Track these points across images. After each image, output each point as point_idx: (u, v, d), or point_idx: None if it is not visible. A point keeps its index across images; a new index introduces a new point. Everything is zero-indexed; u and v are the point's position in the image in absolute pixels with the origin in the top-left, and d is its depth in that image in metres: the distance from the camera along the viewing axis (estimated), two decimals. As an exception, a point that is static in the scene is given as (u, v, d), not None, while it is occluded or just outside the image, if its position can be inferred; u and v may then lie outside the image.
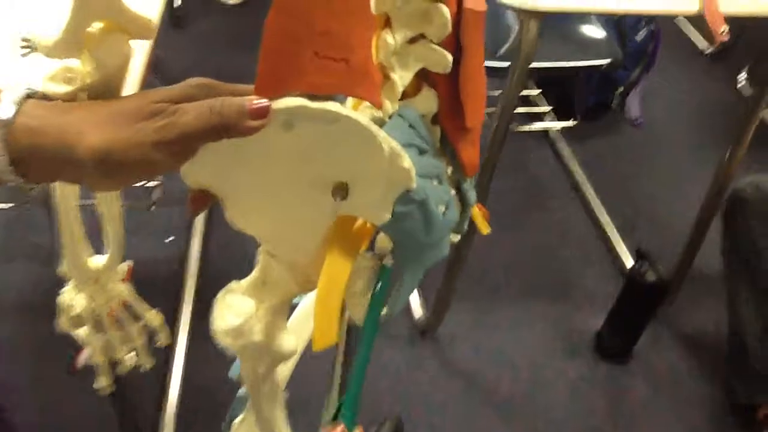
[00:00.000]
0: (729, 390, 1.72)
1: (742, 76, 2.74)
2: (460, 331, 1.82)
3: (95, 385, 1.15)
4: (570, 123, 2.15)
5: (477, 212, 0.72)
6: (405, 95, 0.57)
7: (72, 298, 0.99)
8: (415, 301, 1.85)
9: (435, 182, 0.58)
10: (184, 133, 0.45)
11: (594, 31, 1.99)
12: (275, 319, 0.61)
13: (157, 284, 1.78)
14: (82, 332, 1.05)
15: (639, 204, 2.25)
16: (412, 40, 0.55)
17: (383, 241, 0.66)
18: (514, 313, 1.89)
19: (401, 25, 0.53)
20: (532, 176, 2.32)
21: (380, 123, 0.55)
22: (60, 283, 1.01)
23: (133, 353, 1.15)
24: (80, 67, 0.49)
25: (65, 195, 0.86)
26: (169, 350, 1.66)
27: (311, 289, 0.61)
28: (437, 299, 1.73)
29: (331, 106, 0.47)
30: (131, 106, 0.46)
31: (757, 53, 2.70)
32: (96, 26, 0.48)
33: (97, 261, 0.99)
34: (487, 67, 0.59)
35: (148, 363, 1.19)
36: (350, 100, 0.58)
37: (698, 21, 2.93)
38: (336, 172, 0.51)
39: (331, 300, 0.56)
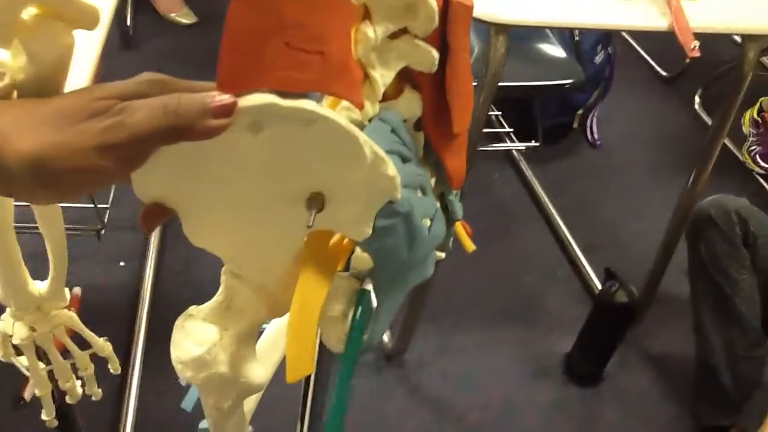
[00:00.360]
0: (697, 413, 1.70)
1: (697, 99, 2.79)
2: (427, 357, 1.77)
3: (42, 416, 1.07)
4: (534, 144, 2.14)
5: (461, 229, 0.67)
6: (385, 97, 0.51)
7: (10, 327, 0.90)
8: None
9: (419, 193, 0.53)
10: (134, 134, 0.38)
11: (556, 52, 1.99)
12: (242, 348, 0.54)
13: (109, 311, 1.70)
14: (24, 361, 0.97)
15: (601, 226, 2.25)
16: (394, 36, 0.50)
17: (360, 260, 0.60)
18: (480, 337, 1.84)
19: (382, 18, 0.48)
20: (494, 198, 2.30)
21: (359, 127, 0.49)
22: (-1, 309, 0.93)
23: (80, 383, 1.07)
24: (10, 60, 0.42)
25: None
26: (123, 379, 1.57)
27: (282, 314, 0.55)
28: (403, 324, 1.68)
29: (307, 104, 0.40)
30: (71, 104, 0.39)
31: (709, 76, 2.75)
32: (30, 12, 0.40)
33: (39, 286, 0.90)
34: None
35: (96, 394, 1.12)
36: (325, 101, 0.52)
37: (655, 43, 3.00)
38: (311, 180, 0.45)
39: (306, 325, 0.50)
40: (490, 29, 1.20)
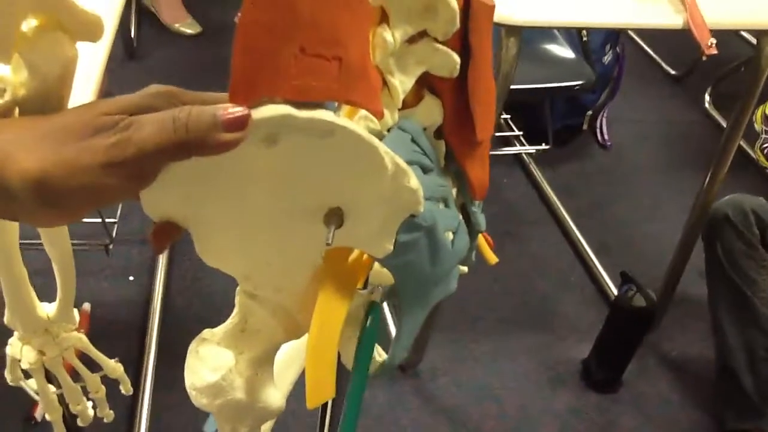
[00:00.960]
0: (719, 416, 1.67)
1: (707, 97, 2.76)
2: (441, 366, 1.74)
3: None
4: (545, 147, 2.11)
5: (482, 240, 0.65)
6: (403, 105, 0.48)
7: (18, 351, 0.88)
8: (394, 335, 1.76)
9: (442, 205, 0.50)
10: (142, 151, 0.35)
11: (565, 52, 1.97)
12: (258, 372, 0.51)
13: (119, 326, 1.67)
14: (33, 384, 0.95)
15: (614, 228, 2.21)
16: (413, 40, 0.47)
17: (379, 275, 0.57)
18: (494, 345, 1.81)
19: (400, 21, 0.45)
20: (504, 202, 2.27)
21: (378, 137, 0.46)
22: (7, 332, 0.90)
23: (90, 405, 1.05)
24: (11, 75, 0.39)
25: (3, 233, 0.75)
26: (135, 395, 1.54)
27: (300, 336, 0.52)
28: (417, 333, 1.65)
29: (324, 115, 0.38)
30: (75, 119, 0.37)
31: (718, 73, 2.72)
32: (30, 23, 0.38)
33: (46, 309, 0.88)
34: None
35: (108, 416, 1.10)
36: (342, 111, 0.49)
37: (663, 42, 2.98)
38: (329, 195, 0.42)
39: (326, 347, 0.47)
40: (500, 31, 1.17)
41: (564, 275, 2.03)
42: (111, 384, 1.06)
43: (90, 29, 0.40)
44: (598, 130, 2.48)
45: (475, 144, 0.52)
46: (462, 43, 0.47)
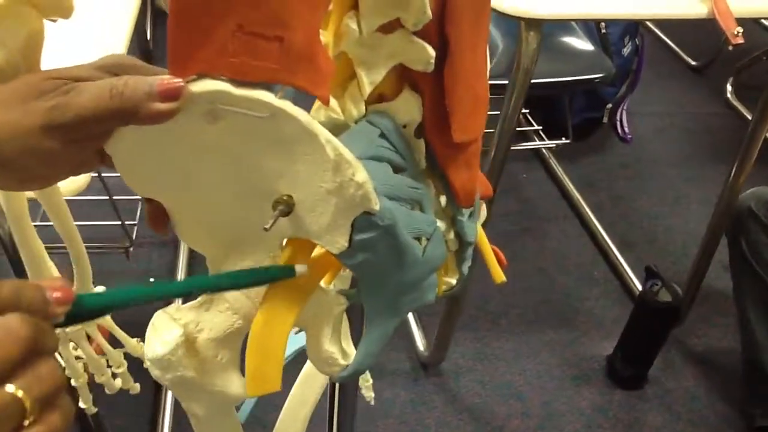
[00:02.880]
0: (747, 413, 1.64)
1: (729, 88, 2.71)
2: (464, 364, 1.73)
3: (80, 405, 1.07)
4: (565, 141, 2.09)
5: (491, 256, 0.62)
6: (383, 98, 0.46)
7: None
8: (416, 334, 1.75)
9: (413, 208, 0.47)
10: (79, 115, 0.37)
11: (584, 46, 1.94)
12: (220, 355, 0.50)
13: (140, 328, 1.66)
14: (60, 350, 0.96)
15: (636, 222, 2.19)
16: (389, 29, 0.44)
17: (345, 279, 0.56)
18: (518, 342, 1.79)
19: (371, 9, 0.42)
20: (524, 198, 2.25)
21: (342, 128, 0.45)
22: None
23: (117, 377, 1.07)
24: None
25: (11, 209, 0.75)
26: (157, 389, 1.55)
27: None
28: (439, 331, 1.63)
29: (263, 95, 0.37)
30: (22, 84, 0.38)
31: (739, 63, 2.68)
32: None
33: None
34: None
35: (134, 388, 1.11)
36: (317, 102, 0.47)
37: (682, 33, 2.93)
38: (275, 181, 0.41)
39: (269, 339, 0.45)
40: (520, 25, 1.15)
41: (587, 271, 2.01)
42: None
43: (59, 5, 0.42)
44: (618, 123, 2.45)
45: (460, 145, 0.48)
46: (442, 35, 0.44)
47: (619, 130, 2.46)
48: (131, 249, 1.56)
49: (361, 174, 0.40)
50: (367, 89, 0.45)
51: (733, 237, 1.59)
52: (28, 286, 0.34)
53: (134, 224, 1.61)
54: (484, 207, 0.67)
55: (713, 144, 2.50)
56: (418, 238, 0.47)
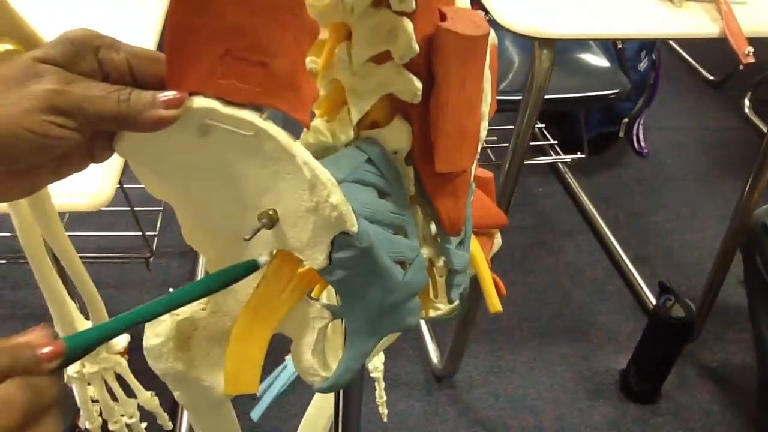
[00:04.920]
0: (762, 429, 1.63)
1: (746, 103, 2.71)
2: (478, 377, 1.74)
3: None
4: (580, 155, 2.10)
5: (489, 285, 0.63)
6: (376, 125, 0.48)
7: None
8: (430, 346, 1.77)
9: (392, 232, 0.48)
10: (81, 107, 0.38)
11: (600, 62, 1.96)
12: (211, 352, 0.53)
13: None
14: (76, 389, 0.98)
15: (652, 237, 2.19)
16: (381, 60, 0.46)
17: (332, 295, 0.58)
18: (531, 355, 1.80)
19: (363, 41, 0.45)
20: (540, 212, 2.26)
21: (331, 151, 0.47)
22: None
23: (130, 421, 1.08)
24: None
25: (35, 254, 0.78)
26: (173, 415, 1.57)
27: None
28: (453, 344, 1.65)
29: (247, 115, 0.40)
30: (9, 70, 0.38)
31: (756, 78, 2.68)
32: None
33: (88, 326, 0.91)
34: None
35: None
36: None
37: (699, 48, 2.93)
38: (261, 194, 0.44)
39: (249, 344, 0.48)
40: (533, 43, 1.17)
41: (601, 285, 2.01)
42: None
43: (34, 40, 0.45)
44: (634, 138, 2.46)
45: (444, 175, 0.49)
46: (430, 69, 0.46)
47: (636, 145, 2.47)
48: (152, 259, 1.59)
49: (335, 196, 0.42)
50: (356, 116, 0.47)
51: (748, 253, 1.59)
52: (21, 348, 0.35)
53: (155, 235, 1.65)
54: (498, 237, 0.68)
55: (730, 159, 2.49)
56: (403, 263, 0.49)
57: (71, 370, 0.93)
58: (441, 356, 1.73)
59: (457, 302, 0.60)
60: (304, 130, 0.48)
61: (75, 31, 0.40)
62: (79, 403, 1.00)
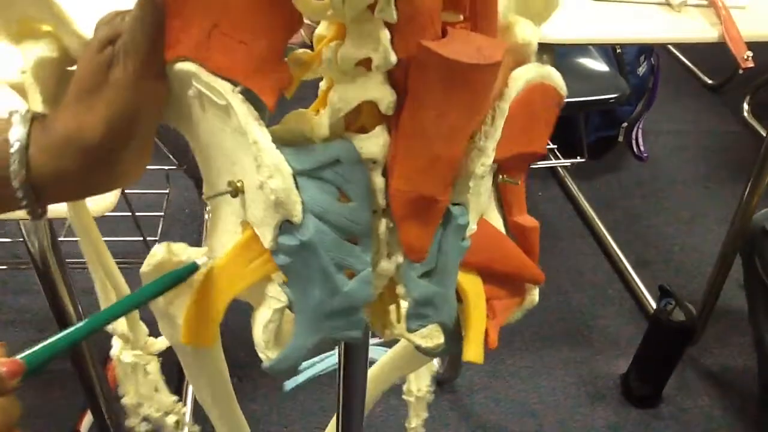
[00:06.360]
0: (763, 432, 1.64)
1: (745, 106, 2.72)
2: (479, 381, 1.74)
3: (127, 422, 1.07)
4: (580, 160, 2.10)
5: (473, 331, 0.57)
6: (363, 130, 0.47)
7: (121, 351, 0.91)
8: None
9: (344, 238, 0.48)
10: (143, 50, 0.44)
11: (599, 66, 1.96)
12: (186, 293, 0.54)
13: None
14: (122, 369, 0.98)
15: (652, 241, 2.19)
16: (369, 65, 0.45)
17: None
18: (532, 360, 1.81)
19: (352, 43, 0.44)
20: (539, 216, 2.23)
21: (309, 141, 0.47)
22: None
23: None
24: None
25: (96, 252, 0.79)
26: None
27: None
28: (454, 348, 1.65)
29: (220, 84, 0.44)
30: (83, 72, 0.44)
31: (755, 82, 2.69)
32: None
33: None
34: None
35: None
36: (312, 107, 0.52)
37: (698, 51, 2.94)
38: (232, 164, 0.47)
39: (212, 297, 0.51)
40: (533, 48, 1.18)
41: (601, 289, 2.02)
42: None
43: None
44: (633, 142, 2.46)
45: (415, 198, 0.47)
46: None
47: (635, 149, 2.47)
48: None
49: (275, 181, 0.44)
50: (333, 113, 0.46)
51: (748, 257, 1.59)
52: None
53: (156, 240, 1.65)
54: (534, 294, 0.65)
55: (730, 162, 2.50)
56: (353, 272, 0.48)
57: (127, 356, 0.93)
58: (442, 360, 1.73)
59: (440, 341, 0.57)
60: (294, 112, 0.51)
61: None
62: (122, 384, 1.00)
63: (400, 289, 0.51)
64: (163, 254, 0.52)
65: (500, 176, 0.55)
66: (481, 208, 0.53)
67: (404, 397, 0.99)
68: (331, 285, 0.48)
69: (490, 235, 0.56)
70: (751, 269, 1.58)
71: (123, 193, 1.36)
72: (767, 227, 1.52)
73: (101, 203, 0.87)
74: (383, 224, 0.49)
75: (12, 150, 0.42)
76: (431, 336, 0.60)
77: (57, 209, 0.85)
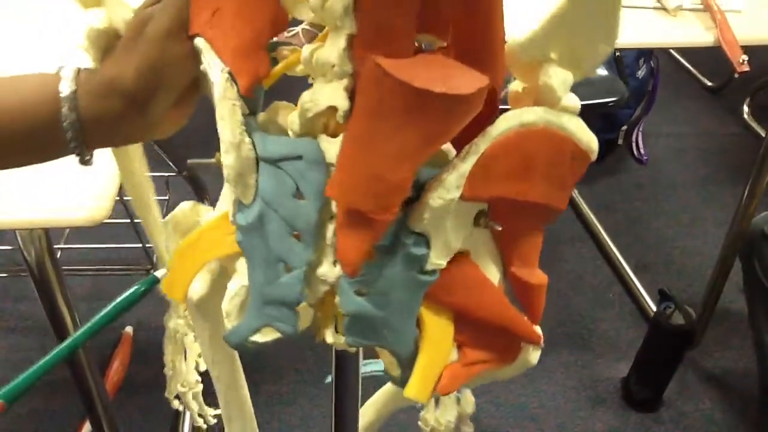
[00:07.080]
0: (764, 435, 1.63)
1: (745, 108, 2.71)
2: (479, 385, 1.73)
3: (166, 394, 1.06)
4: (579, 163, 2.10)
5: (426, 369, 0.52)
6: (337, 133, 0.47)
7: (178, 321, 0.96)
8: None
9: (290, 232, 0.48)
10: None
11: (598, 69, 1.96)
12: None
13: (161, 350, 1.69)
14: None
15: (652, 244, 2.19)
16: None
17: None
18: (532, 363, 1.80)
19: (328, 47, 0.45)
20: (540, 219, 2.25)
21: (281, 131, 0.50)
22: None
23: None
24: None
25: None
26: (176, 419, 1.57)
27: None
28: (453, 353, 1.65)
29: (213, 62, 0.48)
30: (132, 21, 0.51)
31: (755, 84, 2.68)
32: None
33: None
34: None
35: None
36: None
37: (698, 54, 2.94)
38: (221, 139, 0.51)
39: (189, 257, 0.57)
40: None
41: (601, 293, 2.02)
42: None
43: None
44: (633, 145, 2.46)
45: (355, 210, 0.45)
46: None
47: (635, 152, 2.47)
48: (152, 271, 1.60)
49: (229, 157, 0.47)
50: (301, 112, 0.46)
51: (747, 260, 1.59)
52: None
53: (155, 247, 1.65)
54: (531, 355, 0.59)
55: (730, 165, 2.50)
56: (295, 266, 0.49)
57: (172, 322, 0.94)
58: (442, 365, 1.73)
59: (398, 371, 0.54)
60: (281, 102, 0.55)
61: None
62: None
63: (337, 299, 0.49)
64: (184, 210, 0.60)
65: (482, 219, 0.50)
66: (452, 246, 0.49)
67: (420, 424, 0.92)
68: (270, 273, 0.49)
69: (470, 279, 0.52)
70: (750, 272, 1.58)
71: (122, 199, 1.36)
72: (767, 231, 1.52)
73: (98, 211, 0.87)
74: (330, 230, 0.48)
75: (62, 94, 0.48)
76: (394, 364, 0.55)
77: (55, 217, 0.86)
